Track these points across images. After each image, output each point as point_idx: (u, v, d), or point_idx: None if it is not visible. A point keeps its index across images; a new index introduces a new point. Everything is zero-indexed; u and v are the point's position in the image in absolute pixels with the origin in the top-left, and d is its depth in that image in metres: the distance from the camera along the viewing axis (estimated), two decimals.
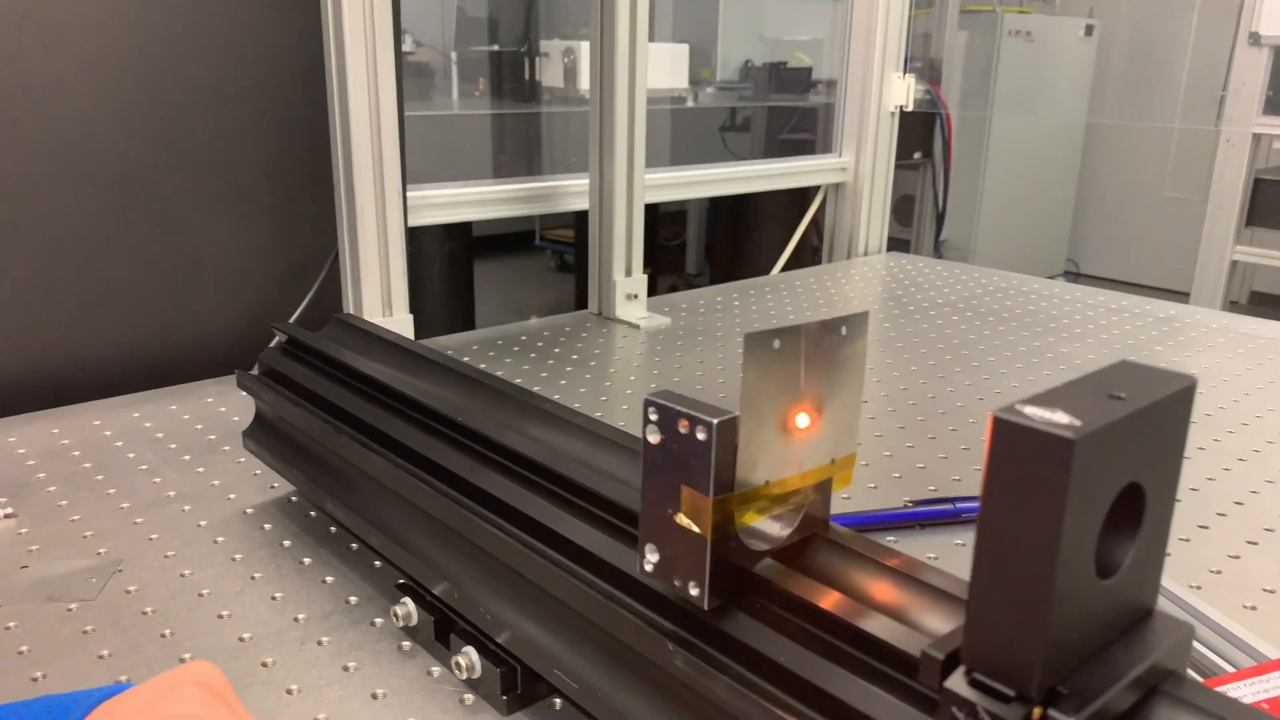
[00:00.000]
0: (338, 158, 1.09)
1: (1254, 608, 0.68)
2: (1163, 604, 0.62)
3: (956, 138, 3.44)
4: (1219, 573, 0.72)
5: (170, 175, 1.13)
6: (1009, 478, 0.32)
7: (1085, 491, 0.32)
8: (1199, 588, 0.70)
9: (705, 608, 0.43)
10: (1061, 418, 0.32)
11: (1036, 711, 0.33)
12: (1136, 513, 0.35)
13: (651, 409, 0.43)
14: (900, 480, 0.87)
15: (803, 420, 0.43)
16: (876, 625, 0.40)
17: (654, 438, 0.43)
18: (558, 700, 0.57)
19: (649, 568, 0.44)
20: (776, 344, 0.41)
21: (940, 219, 3.49)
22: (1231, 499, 0.84)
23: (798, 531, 0.46)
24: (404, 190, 1.13)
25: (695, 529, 0.42)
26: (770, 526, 0.46)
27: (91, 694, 0.43)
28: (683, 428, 0.42)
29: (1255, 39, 2.46)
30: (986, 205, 3.70)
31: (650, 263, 1.42)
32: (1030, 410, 0.32)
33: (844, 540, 0.46)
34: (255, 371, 0.82)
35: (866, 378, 1.14)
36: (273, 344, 0.82)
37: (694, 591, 0.43)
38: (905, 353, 1.23)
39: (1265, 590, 0.70)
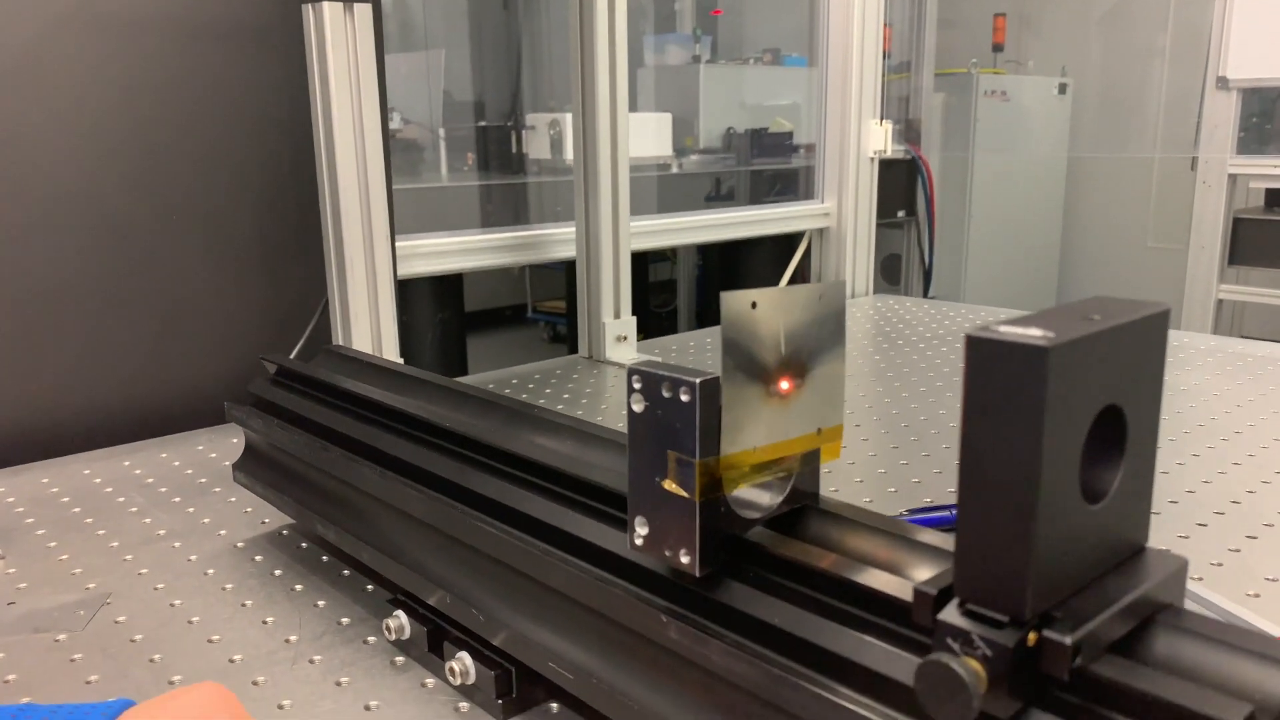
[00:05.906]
0: (326, 217, 1.10)
1: (1257, 595, 0.67)
2: None
3: (940, 197, 3.49)
4: (1220, 565, 0.72)
5: (158, 227, 1.14)
6: (987, 396, 0.32)
7: (1063, 405, 0.32)
8: (1200, 579, 0.69)
9: (696, 575, 0.42)
10: (1035, 332, 0.32)
11: (1032, 635, 0.33)
12: (1119, 438, 0.36)
13: (635, 377, 0.43)
14: (896, 494, 0.87)
15: (785, 385, 0.43)
16: (866, 576, 0.40)
17: (638, 406, 0.43)
18: (554, 704, 0.56)
19: (639, 541, 0.44)
20: (754, 304, 0.42)
21: (927, 275, 3.52)
22: (1229, 499, 0.84)
23: (788, 503, 0.46)
24: (392, 237, 1.14)
25: (683, 493, 0.42)
26: (760, 496, 0.45)
27: (105, 707, 0.42)
28: (666, 392, 0.42)
29: (1223, 83, 2.52)
30: (971, 263, 3.74)
31: (641, 328, 1.43)
32: (1004, 328, 0.33)
33: (833, 508, 0.46)
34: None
35: (858, 400, 1.14)
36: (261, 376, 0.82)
37: (685, 560, 0.42)
38: (896, 381, 1.23)
39: (1268, 579, 0.69)
